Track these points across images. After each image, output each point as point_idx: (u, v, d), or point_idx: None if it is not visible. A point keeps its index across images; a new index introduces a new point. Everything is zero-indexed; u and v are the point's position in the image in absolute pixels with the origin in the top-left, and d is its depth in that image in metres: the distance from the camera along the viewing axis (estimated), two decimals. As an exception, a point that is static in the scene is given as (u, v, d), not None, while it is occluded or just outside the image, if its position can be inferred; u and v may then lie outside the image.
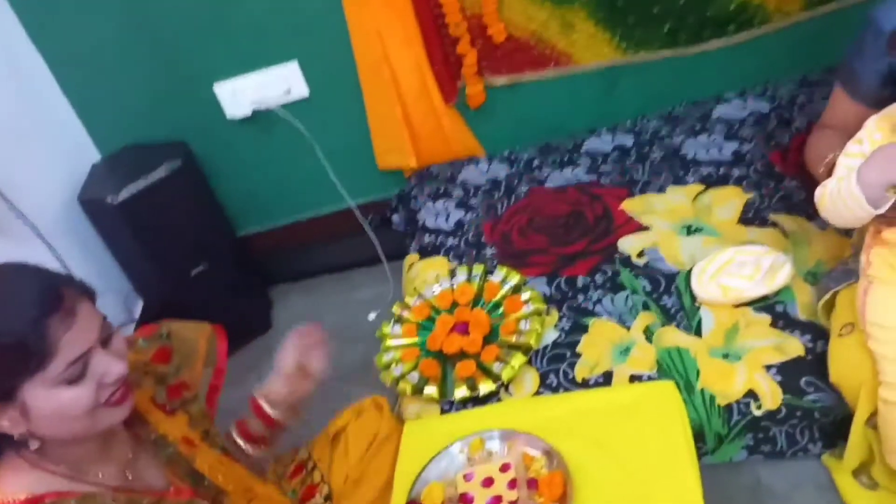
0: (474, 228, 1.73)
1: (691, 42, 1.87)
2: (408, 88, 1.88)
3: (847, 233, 1.33)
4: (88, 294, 0.92)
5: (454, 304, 1.52)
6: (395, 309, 1.56)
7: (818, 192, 1.12)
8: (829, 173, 1.16)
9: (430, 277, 1.62)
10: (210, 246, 1.98)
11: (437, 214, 1.80)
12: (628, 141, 1.84)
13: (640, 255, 1.50)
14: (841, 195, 1.08)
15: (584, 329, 1.40)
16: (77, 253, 1.89)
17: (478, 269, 1.57)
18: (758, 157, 1.65)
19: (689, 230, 1.52)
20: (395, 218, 1.97)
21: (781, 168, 1.60)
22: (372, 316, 1.96)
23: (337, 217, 2.09)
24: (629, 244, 1.53)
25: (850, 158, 1.10)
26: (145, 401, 1.05)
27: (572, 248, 1.58)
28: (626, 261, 1.50)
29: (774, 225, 1.47)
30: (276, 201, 2.13)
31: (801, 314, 1.30)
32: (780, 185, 1.55)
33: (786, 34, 1.84)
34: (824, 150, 1.24)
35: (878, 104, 1.11)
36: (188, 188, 1.93)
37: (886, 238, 1.10)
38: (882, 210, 1.05)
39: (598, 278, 1.49)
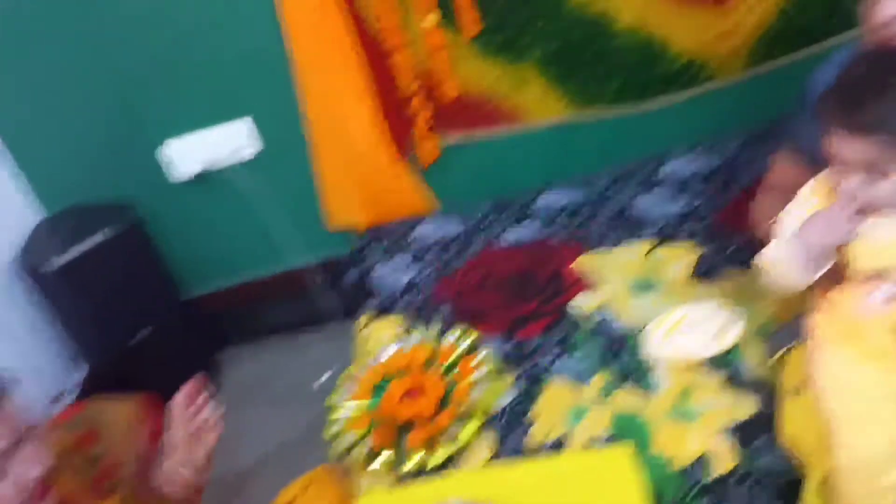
0: (428, 287, 1.71)
1: (640, 99, 1.91)
2: (360, 145, 1.87)
3: (796, 290, 1.35)
4: (4, 393, 0.88)
5: (407, 368, 1.48)
6: (347, 373, 1.53)
7: (760, 256, 1.12)
8: (771, 235, 1.17)
9: (382, 339, 1.59)
10: (155, 309, 1.94)
11: (390, 273, 1.78)
12: (581, 196, 1.85)
13: (594, 314, 1.50)
14: (781, 259, 1.09)
15: (540, 391, 1.38)
16: (17, 316, 1.82)
17: (432, 329, 1.54)
18: (707, 213, 1.67)
19: (642, 288, 1.52)
20: (347, 277, 1.94)
21: (730, 224, 1.62)
22: (323, 378, 1.92)
23: (287, 276, 2.06)
24: (582, 303, 1.52)
25: (790, 222, 1.11)
26: (74, 488, 1.00)
27: (526, 307, 1.56)
28: (580, 320, 1.49)
29: (725, 281, 1.48)
30: (224, 261, 2.09)
31: (754, 373, 1.30)
32: (730, 242, 1.57)
33: (732, 91, 1.89)
34: (768, 212, 1.25)
35: (819, 165, 1.13)
36: (132, 250, 1.89)
37: (832, 299, 1.11)
38: (820, 273, 1.06)
39: (553, 338, 1.48)
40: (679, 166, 1.84)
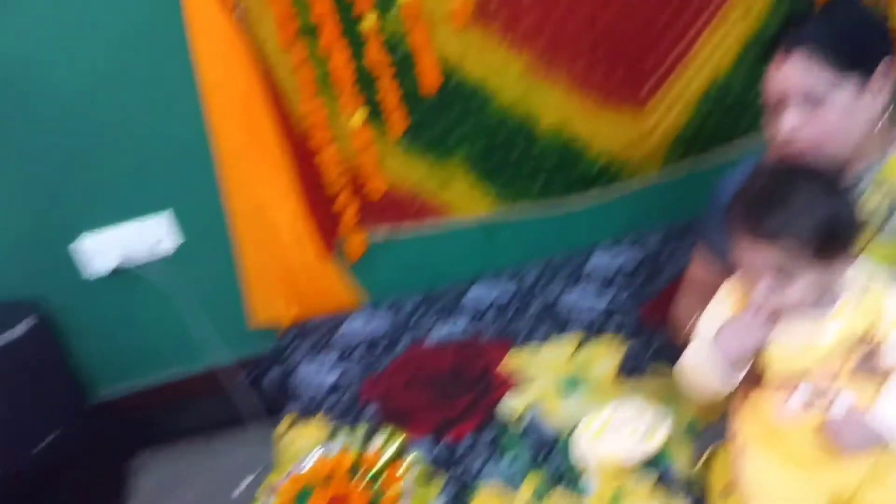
0: (354, 387, 1.66)
1: (564, 196, 1.95)
2: (285, 240, 1.84)
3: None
4: None
5: (331, 476, 1.42)
6: (267, 481, 1.44)
7: (679, 362, 1.14)
8: (691, 336, 1.19)
9: (305, 443, 1.52)
10: (63, 413, 1.81)
11: (314, 372, 1.72)
12: (508, 292, 1.85)
13: (523, 414, 1.47)
14: (700, 366, 1.10)
15: (470, 498, 1.33)
16: None
17: (358, 432, 1.49)
18: (632, 309, 1.69)
19: (570, 386, 1.51)
20: (269, 376, 1.87)
21: (655, 319, 1.64)
22: (242, 486, 1.81)
23: (206, 376, 1.97)
24: (512, 403, 1.50)
25: (708, 326, 1.13)
26: None
27: (455, 407, 1.53)
28: (510, 421, 1.47)
29: (652, 378, 1.49)
30: (139, 361, 1.99)
31: (683, 474, 1.29)
32: (655, 337, 1.59)
33: (652, 188, 1.96)
34: (687, 311, 1.27)
35: (732, 266, 1.16)
36: (40, 351, 1.78)
37: (753, 402, 1.12)
38: (739, 378, 1.08)
39: (483, 440, 1.44)
40: (604, 261, 1.88)
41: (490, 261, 1.96)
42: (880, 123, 1.19)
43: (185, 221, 1.86)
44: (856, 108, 1.15)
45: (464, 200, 1.93)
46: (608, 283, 1.80)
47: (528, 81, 1.81)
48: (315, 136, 1.79)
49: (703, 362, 1.08)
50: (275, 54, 1.71)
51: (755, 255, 1.03)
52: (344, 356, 1.76)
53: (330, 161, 1.81)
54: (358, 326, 1.85)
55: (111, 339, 1.94)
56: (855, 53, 1.14)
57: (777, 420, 1.08)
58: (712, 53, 1.84)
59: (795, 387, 1.07)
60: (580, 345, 1.62)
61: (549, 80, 1.81)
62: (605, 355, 1.57)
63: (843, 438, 1.03)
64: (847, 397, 1.04)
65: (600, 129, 1.88)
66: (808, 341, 1.06)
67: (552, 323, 1.71)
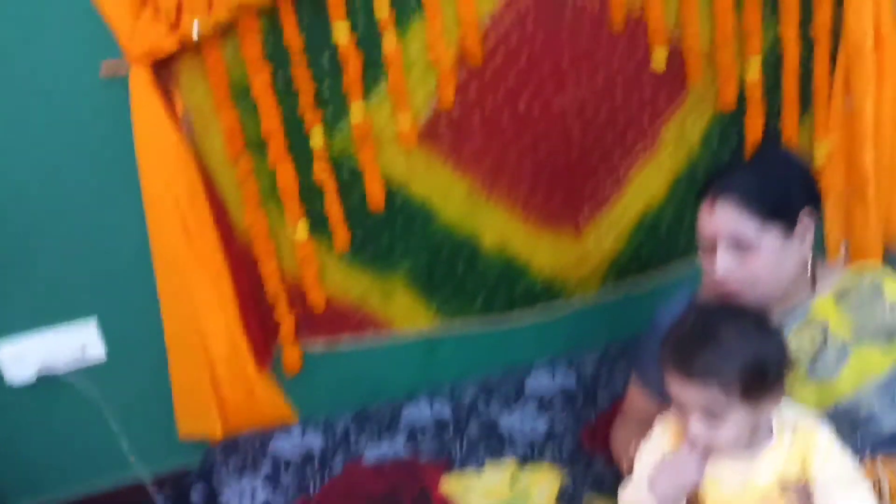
0: (283, 511, 1.59)
1: (503, 313, 1.97)
2: (217, 353, 1.78)
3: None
4: None
5: None
6: None
7: (619, 499, 1.14)
8: (629, 468, 1.19)
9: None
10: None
11: (242, 493, 1.64)
12: (446, 410, 1.83)
13: (459, 543, 1.43)
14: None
15: None
16: None
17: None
18: (569, 434, 1.69)
19: (508, 515, 1.49)
20: (195, 493, 1.77)
21: (593, 443, 1.64)
22: None
23: (128, 491, 1.85)
24: (447, 531, 1.46)
25: (644, 462, 1.13)
26: None
27: (388, 535, 1.48)
28: (445, 551, 1.42)
29: (589, 508, 1.48)
30: (59, 473, 1.86)
31: None
32: (591, 464, 1.58)
33: (590, 309, 2.00)
34: (624, 442, 1.28)
35: (666, 398, 1.18)
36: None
37: (691, 540, 1.12)
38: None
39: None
40: (542, 381, 1.88)
41: (428, 376, 1.95)
42: (808, 267, 1.26)
43: (112, 328, 1.79)
44: (782, 253, 1.22)
45: (405, 314, 1.92)
46: (547, 404, 1.80)
47: (472, 202, 1.85)
48: (257, 248, 1.77)
49: (639, 502, 1.08)
50: (219, 166, 1.71)
51: (685, 393, 1.06)
52: (274, 475, 1.69)
53: (271, 273, 1.79)
54: (289, 443, 1.78)
55: (30, 450, 1.82)
56: (780, 204, 1.22)
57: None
58: (645, 185, 1.93)
59: (732, 527, 1.07)
60: (519, 470, 1.60)
61: (492, 202, 1.86)
62: (544, 482, 1.56)
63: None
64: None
65: (540, 249, 1.93)
66: (742, 481, 1.07)
67: (491, 444, 1.69)
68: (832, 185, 2.02)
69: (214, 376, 1.79)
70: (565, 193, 1.91)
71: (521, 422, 1.75)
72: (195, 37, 1.55)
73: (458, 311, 1.95)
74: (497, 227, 1.89)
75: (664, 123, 1.90)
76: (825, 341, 1.24)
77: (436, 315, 1.94)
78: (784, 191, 1.25)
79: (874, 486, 1.10)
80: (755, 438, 1.07)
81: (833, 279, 1.29)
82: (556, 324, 2.00)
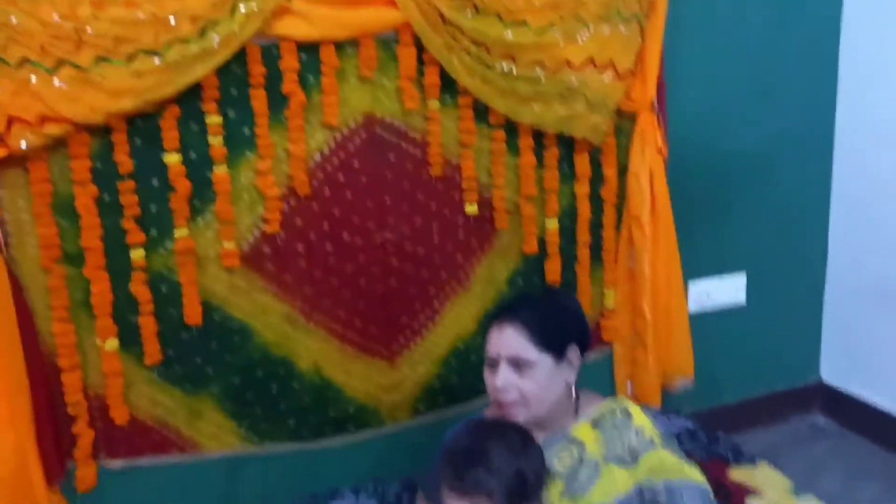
0: None
1: (314, 438, 2.01)
2: (7, 467, 1.67)
3: None
4: None
5: None
6: None
7: None
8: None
9: None
10: None
11: None
12: (245, 536, 1.80)
13: None
14: None
15: None
16: None
17: None
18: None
19: None
20: None
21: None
22: None
23: None
24: None
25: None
26: None
27: None
28: None
29: None
30: None
31: None
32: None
33: (399, 437, 2.08)
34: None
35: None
36: None
37: None
38: None
39: None
40: (344, 507, 1.91)
41: (232, 499, 1.92)
42: (573, 393, 1.45)
43: None
44: (551, 378, 1.44)
45: (212, 435, 1.91)
46: (346, 533, 1.81)
47: (291, 325, 1.92)
48: (62, 358, 1.73)
49: None
50: (32, 275, 1.68)
51: (458, 502, 1.15)
52: None
53: (73, 384, 1.74)
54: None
55: None
56: (554, 337, 1.44)
57: None
58: (457, 319, 2.09)
59: None
60: None
61: (311, 326, 1.94)
62: None
63: None
64: None
65: (355, 374, 2.01)
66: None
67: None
68: (619, 331, 2.29)
69: (1, 494, 1.68)
70: (382, 322, 2.02)
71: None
72: (23, 147, 1.58)
73: (268, 433, 1.97)
74: (314, 350, 1.96)
75: (476, 263, 2.09)
76: (581, 461, 1.41)
77: (245, 437, 1.94)
78: (559, 327, 1.47)
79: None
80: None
81: (593, 408, 1.48)
82: (365, 450, 2.05)
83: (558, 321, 1.49)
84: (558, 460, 1.41)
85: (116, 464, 1.83)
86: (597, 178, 2.17)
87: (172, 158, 1.73)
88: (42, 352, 1.72)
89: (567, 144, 2.10)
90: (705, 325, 2.38)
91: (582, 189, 2.15)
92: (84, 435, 1.77)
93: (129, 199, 1.72)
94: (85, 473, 1.79)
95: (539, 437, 1.39)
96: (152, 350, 1.80)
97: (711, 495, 1.40)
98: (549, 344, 1.43)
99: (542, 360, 1.42)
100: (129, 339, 1.78)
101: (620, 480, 1.38)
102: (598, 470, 1.40)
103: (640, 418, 1.45)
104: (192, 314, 1.81)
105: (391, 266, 2.00)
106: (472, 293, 2.10)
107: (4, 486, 1.68)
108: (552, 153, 2.08)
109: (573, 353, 1.47)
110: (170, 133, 1.72)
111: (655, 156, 2.14)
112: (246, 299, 1.87)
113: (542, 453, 1.29)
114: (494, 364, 1.45)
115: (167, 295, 1.79)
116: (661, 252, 2.18)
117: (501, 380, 1.42)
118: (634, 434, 1.42)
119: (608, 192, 2.18)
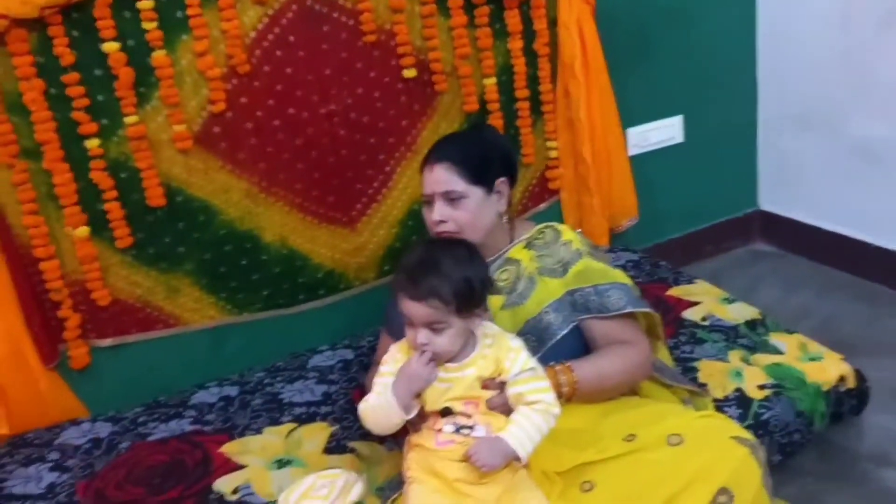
0: (67, 489, 1.65)
1: (288, 304, 2.15)
2: (1, 353, 1.82)
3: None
4: None
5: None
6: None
7: (361, 406, 1.35)
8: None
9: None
10: None
11: (28, 479, 1.69)
12: (234, 390, 1.97)
13: (235, 491, 1.57)
14: (380, 406, 1.32)
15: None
16: None
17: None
18: (342, 396, 1.89)
19: (280, 464, 1.65)
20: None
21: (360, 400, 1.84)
22: None
23: None
24: (223, 483, 1.60)
25: (383, 377, 1.36)
26: None
27: (167, 495, 1.59)
28: (221, 499, 1.56)
29: (352, 451, 1.67)
30: None
31: (374, 523, 1.46)
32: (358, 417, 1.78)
33: (366, 296, 2.23)
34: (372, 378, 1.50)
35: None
36: None
37: (416, 442, 1.35)
38: (412, 415, 1.30)
39: (194, 522, 1.51)
40: (322, 360, 2.08)
41: (218, 367, 2.07)
42: (504, 220, 1.58)
43: None
44: (482, 207, 1.55)
45: (192, 310, 2.05)
46: (324, 378, 1.98)
47: (251, 200, 2.03)
48: (37, 249, 1.84)
49: (381, 403, 1.30)
50: (-5, 173, 1.78)
51: (412, 311, 1.30)
52: (60, 463, 1.74)
53: (52, 272, 1.86)
54: (78, 435, 1.84)
55: None
56: (479, 169, 1.55)
57: (432, 452, 1.31)
58: (409, 182, 2.20)
59: (444, 423, 1.31)
60: (294, 429, 1.77)
61: (271, 200, 2.06)
62: (315, 435, 1.74)
63: (480, 459, 1.27)
64: (483, 427, 1.31)
65: (319, 242, 2.14)
66: (451, 383, 1.32)
67: (271, 413, 1.85)
68: (565, 179, 2.42)
69: (-2, 376, 1.83)
70: (338, 190, 2.14)
71: (301, 392, 1.92)
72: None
73: (246, 303, 2.11)
74: (277, 223, 2.08)
75: (421, 127, 2.19)
76: (518, 277, 1.56)
77: (223, 308, 2.09)
78: (484, 160, 1.57)
79: (554, 387, 1.38)
80: (465, 349, 1.33)
81: (526, 232, 1.62)
82: (338, 310, 2.20)
83: (484, 154, 1.58)
84: (499, 278, 1.56)
85: (105, 342, 1.97)
86: (529, 33, 2.25)
87: (111, 47, 1.80)
88: (17, 244, 1.83)
89: (497, 1, 2.17)
90: (647, 166, 2.52)
91: (515, 44, 2.23)
92: (71, 318, 1.90)
93: (75, 90, 1.79)
94: (77, 353, 1.93)
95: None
96: (122, 234, 1.91)
97: (637, 291, 1.57)
98: (477, 176, 1.54)
99: (472, 192, 1.52)
100: (99, 226, 1.89)
101: (553, 288, 1.54)
102: (534, 282, 1.55)
103: (567, 234, 1.59)
104: (155, 196, 1.92)
105: (339, 136, 2.10)
106: (420, 156, 2.19)
107: (3, 369, 1.82)
108: (483, 11, 2.16)
109: (502, 185, 1.58)
110: (105, 22, 1.78)
111: (583, 5, 2.21)
112: (204, 179, 1.97)
113: (487, 264, 1.44)
114: (430, 201, 1.56)
115: (128, 180, 1.89)
116: (595, 99, 2.28)
117: (437, 213, 1.53)
118: (563, 247, 1.57)
119: (541, 45, 2.26)
